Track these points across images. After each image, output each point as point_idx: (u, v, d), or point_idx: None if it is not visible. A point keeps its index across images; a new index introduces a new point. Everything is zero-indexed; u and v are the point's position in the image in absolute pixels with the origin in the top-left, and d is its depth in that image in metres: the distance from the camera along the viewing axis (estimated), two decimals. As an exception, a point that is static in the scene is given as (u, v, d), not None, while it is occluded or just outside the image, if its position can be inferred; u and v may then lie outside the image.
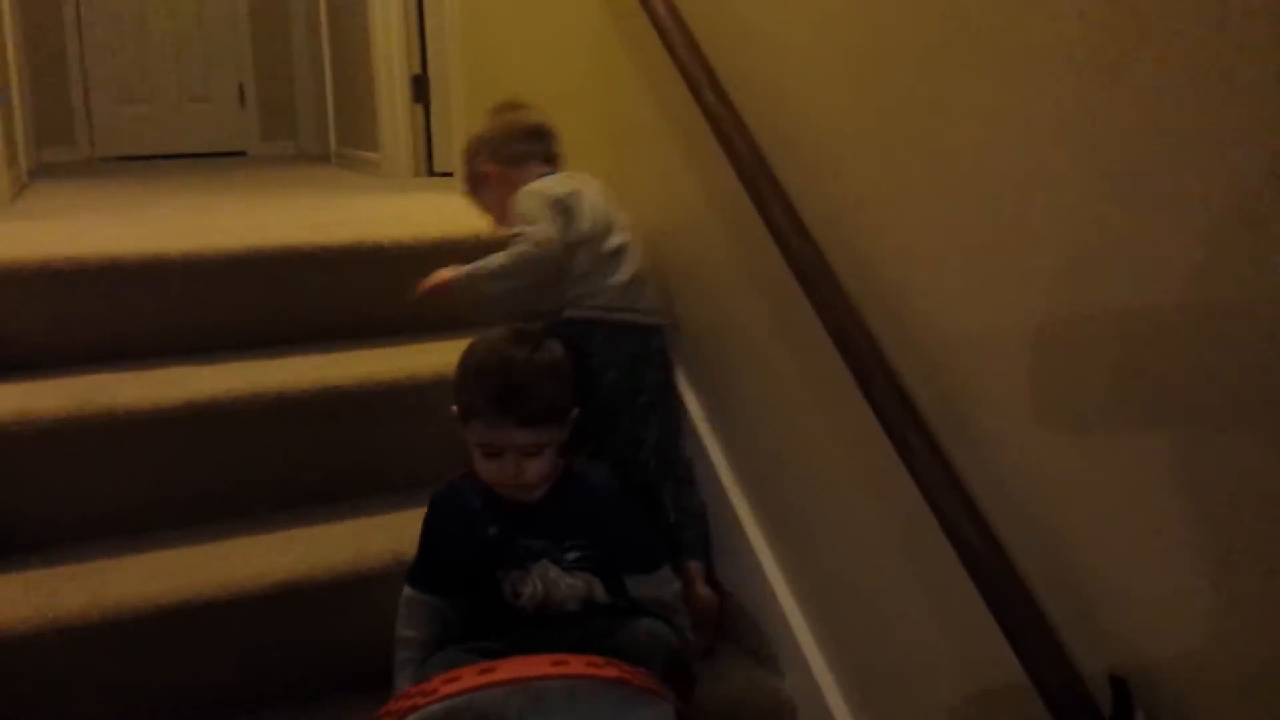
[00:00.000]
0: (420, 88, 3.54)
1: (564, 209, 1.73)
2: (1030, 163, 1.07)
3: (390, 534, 1.62)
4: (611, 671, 1.18)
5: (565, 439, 1.40)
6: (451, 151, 3.13)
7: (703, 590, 1.65)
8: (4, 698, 1.39)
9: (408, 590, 1.44)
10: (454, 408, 1.39)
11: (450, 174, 3.13)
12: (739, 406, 1.72)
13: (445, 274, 1.73)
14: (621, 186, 1.99)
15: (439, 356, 1.89)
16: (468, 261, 1.73)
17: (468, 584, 1.42)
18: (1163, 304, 0.93)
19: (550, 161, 1.89)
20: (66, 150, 5.00)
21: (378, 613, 1.50)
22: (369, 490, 1.80)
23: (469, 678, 1.15)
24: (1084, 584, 1.05)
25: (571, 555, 1.40)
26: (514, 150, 1.87)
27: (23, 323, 1.83)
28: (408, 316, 2.07)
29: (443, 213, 2.46)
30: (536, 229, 1.69)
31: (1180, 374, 0.92)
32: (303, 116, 5.42)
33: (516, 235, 1.69)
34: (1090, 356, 1.02)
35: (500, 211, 1.86)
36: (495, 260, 1.68)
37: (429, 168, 3.62)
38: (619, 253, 1.75)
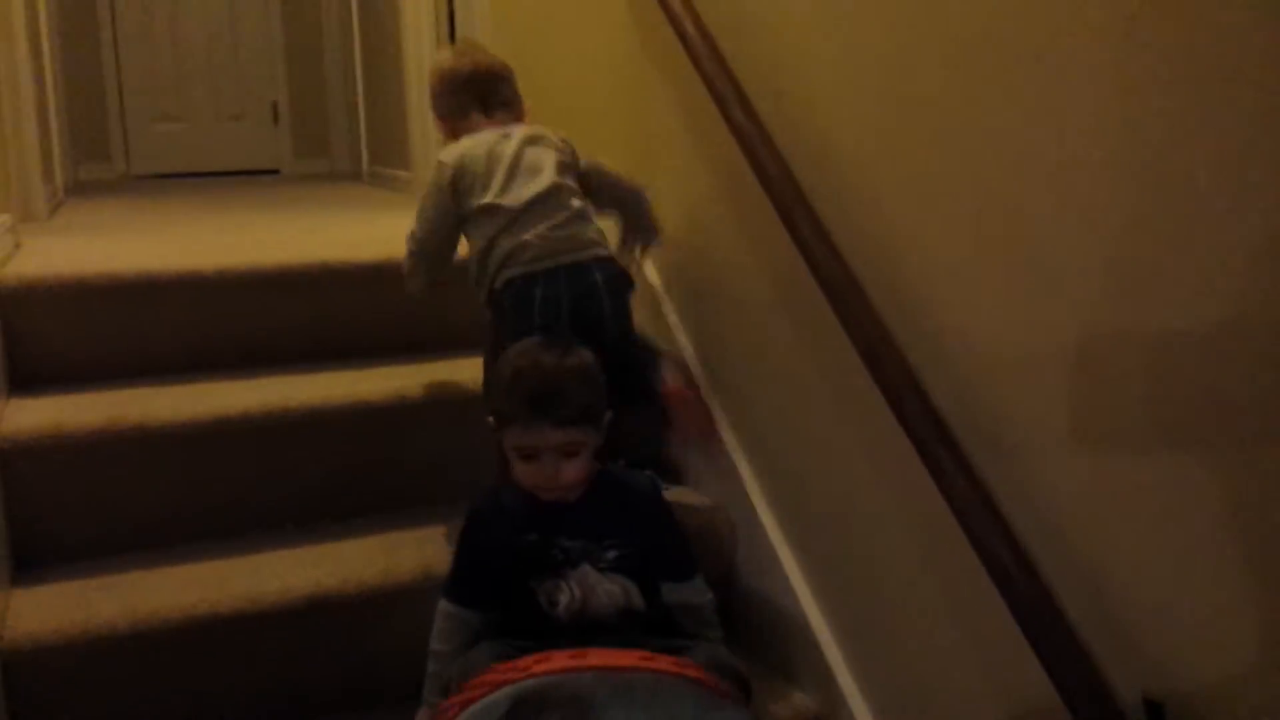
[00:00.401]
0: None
1: (458, 179, 1.66)
2: (1066, 179, 1.06)
3: (420, 548, 1.63)
4: (696, 673, 1.20)
5: (600, 443, 1.41)
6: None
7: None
8: (38, 705, 1.40)
9: (442, 603, 1.45)
10: (490, 417, 1.41)
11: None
12: (767, 422, 1.71)
13: None
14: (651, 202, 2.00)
15: (468, 372, 1.90)
16: None
17: (504, 596, 1.42)
18: (1201, 320, 0.92)
19: (490, 112, 1.79)
20: (102, 168, 5.07)
21: (407, 627, 1.50)
22: (399, 504, 1.81)
23: (561, 660, 1.18)
24: (1119, 605, 1.04)
25: (611, 554, 1.41)
26: (450, 103, 1.82)
27: (58, 337, 1.85)
28: (438, 332, 2.09)
29: (472, 230, 2.47)
30: (413, 228, 1.76)
31: (1219, 391, 0.91)
32: (335, 135, 5.47)
33: None
34: (1125, 373, 1.01)
35: None
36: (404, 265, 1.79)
37: (459, 186, 3.63)
38: (542, 201, 1.64)
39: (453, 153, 1.70)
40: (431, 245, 1.74)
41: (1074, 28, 1.03)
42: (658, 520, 1.47)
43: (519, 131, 1.72)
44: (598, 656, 1.20)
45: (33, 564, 1.58)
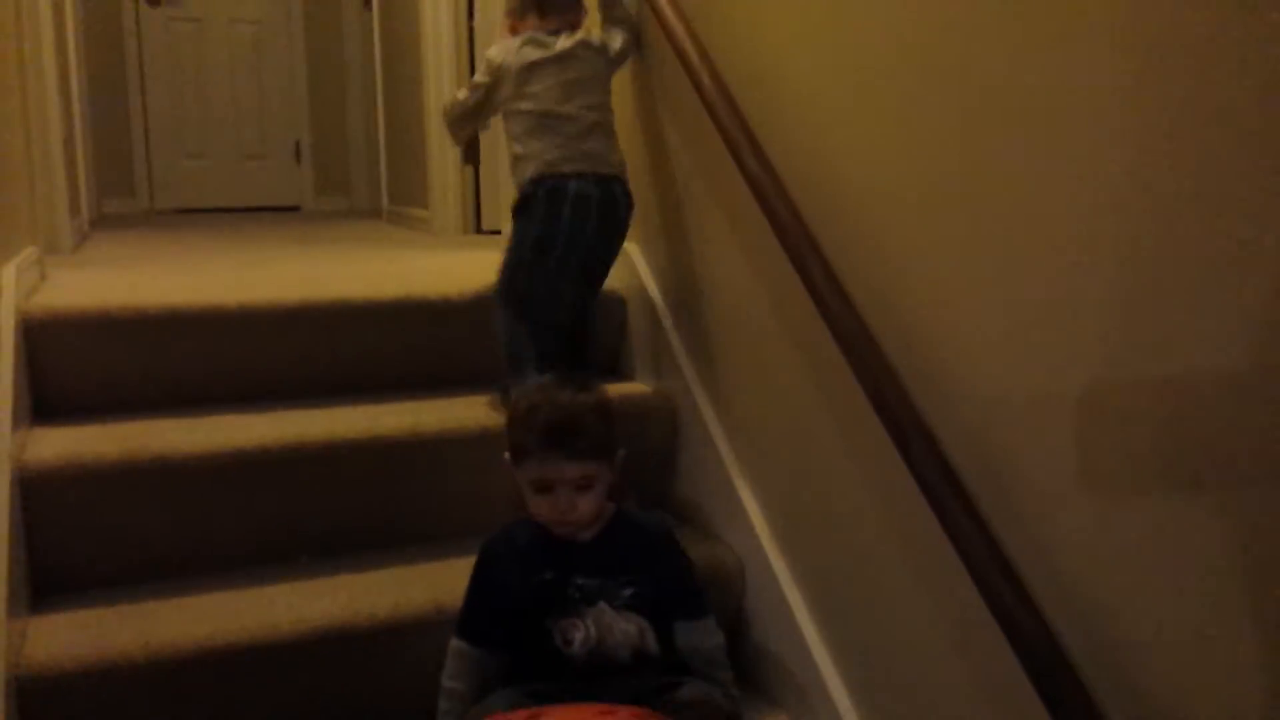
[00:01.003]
0: (471, 149, 3.62)
1: (494, 71, 1.97)
2: (1077, 229, 1.08)
3: (432, 584, 1.64)
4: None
5: (613, 479, 1.43)
6: (499, 211, 3.19)
7: None
8: (51, 734, 1.42)
9: (455, 641, 1.46)
10: (506, 454, 1.43)
11: (498, 232, 3.19)
12: (777, 466, 1.73)
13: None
14: (661, 246, 2.03)
15: (484, 409, 1.93)
16: None
17: (517, 633, 1.43)
18: (1217, 368, 0.94)
19: (544, 14, 2.00)
20: (126, 202, 5.15)
21: (418, 661, 1.52)
22: (411, 539, 1.83)
23: None
24: (1133, 661, 1.04)
25: (626, 592, 1.42)
26: (513, 4, 2.05)
27: (81, 369, 1.89)
28: (454, 368, 2.12)
29: (488, 269, 2.51)
30: (458, 92, 2.07)
31: (1235, 441, 0.92)
32: (356, 174, 5.55)
33: None
34: (1137, 421, 1.02)
35: None
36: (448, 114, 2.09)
37: (477, 225, 3.69)
38: (567, 121, 1.92)
39: (505, 43, 1.98)
40: (465, 108, 2.04)
41: (1090, 80, 1.06)
42: (672, 559, 1.49)
43: (561, 41, 1.96)
44: (555, 715, 1.25)
45: (51, 591, 1.60)
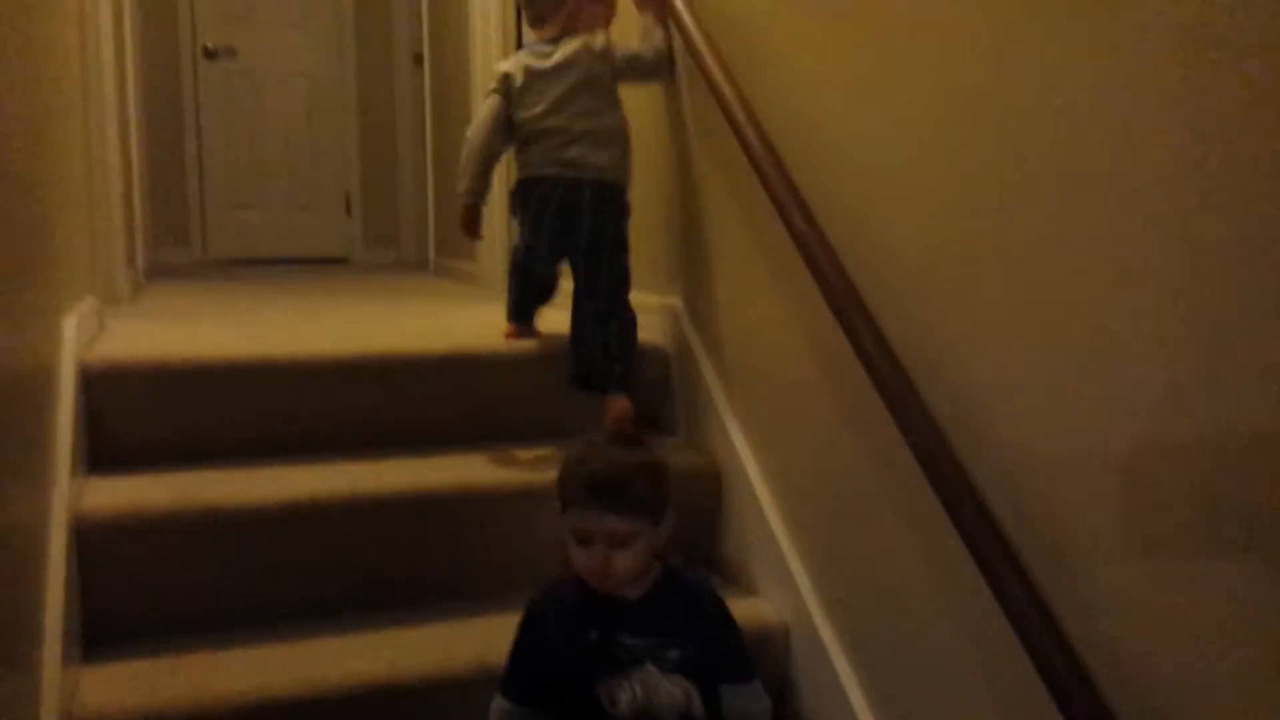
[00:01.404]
0: (517, 202, 3.65)
1: (501, 80, 2.17)
2: (1124, 290, 1.08)
3: (478, 640, 1.64)
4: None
5: (660, 540, 1.43)
6: (546, 264, 3.22)
7: None
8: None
9: (498, 700, 1.45)
10: (558, 503, 1.44)
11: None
12: (824, 527, 1.72)
13: None
14: (705, 300, 2.04)
15: (532, 463, 1.94)
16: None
17: (562, 694, 1.43)
18: (1258, 433, 0.93)
19: (536, 24, 2.21)
20: (180, 252, 5.26)
21: (463, 719, 1.51)
22: (456, 594, 1.83)
23: None
24: (1174, 715, 1.02)
25: (673, 654, 1.41)
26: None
27: (135, 419, 1.92)
28: (501, 422, 2.13)
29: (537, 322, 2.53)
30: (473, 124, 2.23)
31: (1276, 505, 0.91)
32: (405, 226, 5.63)
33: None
34: (1186, 480, 1.02)
35: None
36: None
37: (523, 278, 3.71)
38: (554, 133, 2.10)
39: (504, 63, 2.20)
40: (481, 136, 2.21)
41: (1136, 156, 1.06)
42: (720, 621, 1.48)
43: (560, 50, 2.11)
44: None
45: (103, 641, 1.61)
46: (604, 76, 2.12)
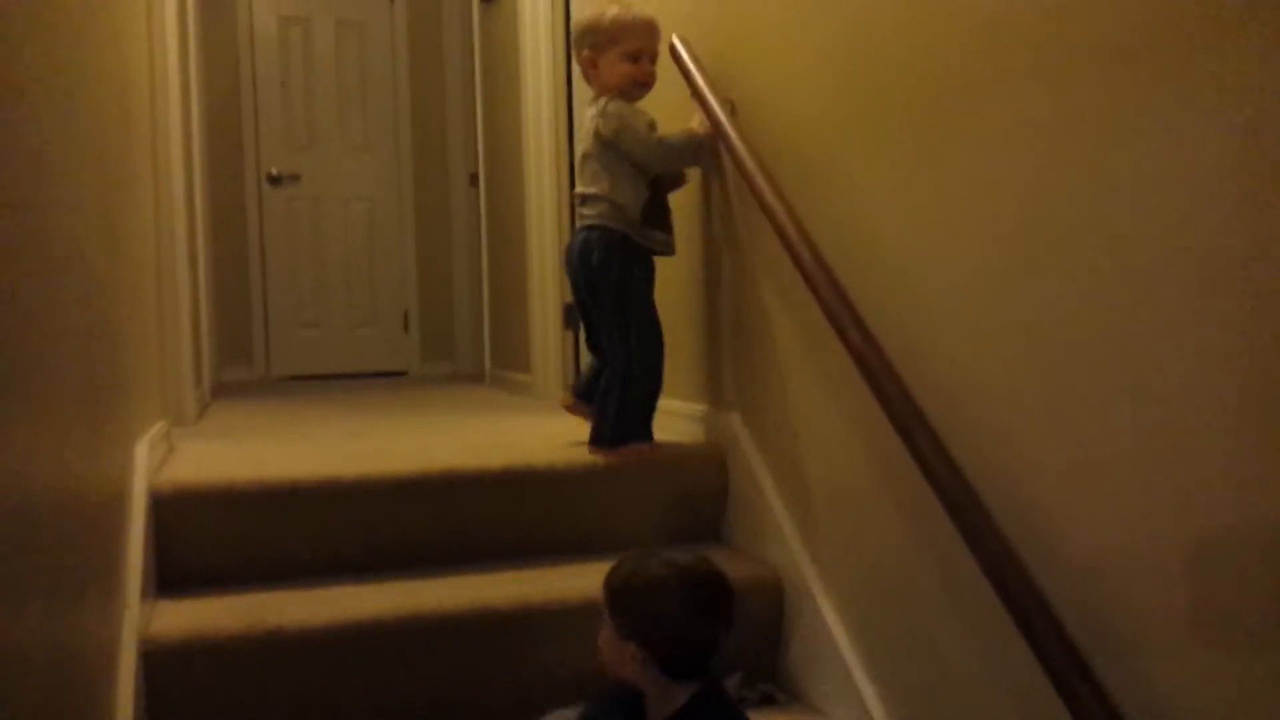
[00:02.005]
0: (571, 316, 3.72)
1: None
2: (1187, 378, 1.09)
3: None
4: None
5: (635, 648, 1.42)
6: (600, 375, 3.26)
7: None
8: None
9: None
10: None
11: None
12: (889, 639, 1.69)
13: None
14: (760, 410, 2.05)
15: (593, 579, 1.92)
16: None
17: None
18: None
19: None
20: (244, 370, 5.38)
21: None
22: (519, 710, 1.81)
23: None
24: None
25: None
26: None
27: (203, 541, 1.96)
28: (560, 536, 2.14)
29: (587, 436, 2.55)
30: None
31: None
32: (460, 339, 5.73)
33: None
34: (1254, 568, 1.00)
35: None
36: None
37: (577, 389, 3.75)
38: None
39: None
40: None
41: (1196, 262, 1.07)
42: None
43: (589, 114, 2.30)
44: None
45: (169, 766, 1.62)
46: (595, 150, 2.26)
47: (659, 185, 2.30)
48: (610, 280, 2.25)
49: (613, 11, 2.25)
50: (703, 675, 1.42)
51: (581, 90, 3.56)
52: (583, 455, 2.24)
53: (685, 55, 2.25)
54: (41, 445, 1.11)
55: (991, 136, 1.39)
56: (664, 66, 2.30)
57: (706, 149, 2.24)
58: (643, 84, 2.28)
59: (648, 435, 2.28)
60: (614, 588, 1.46)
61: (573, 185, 3.70)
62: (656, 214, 2.28)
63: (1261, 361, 1.00)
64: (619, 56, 2.23)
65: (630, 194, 2.24)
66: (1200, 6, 1.06)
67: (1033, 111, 1.31)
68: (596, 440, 2.27)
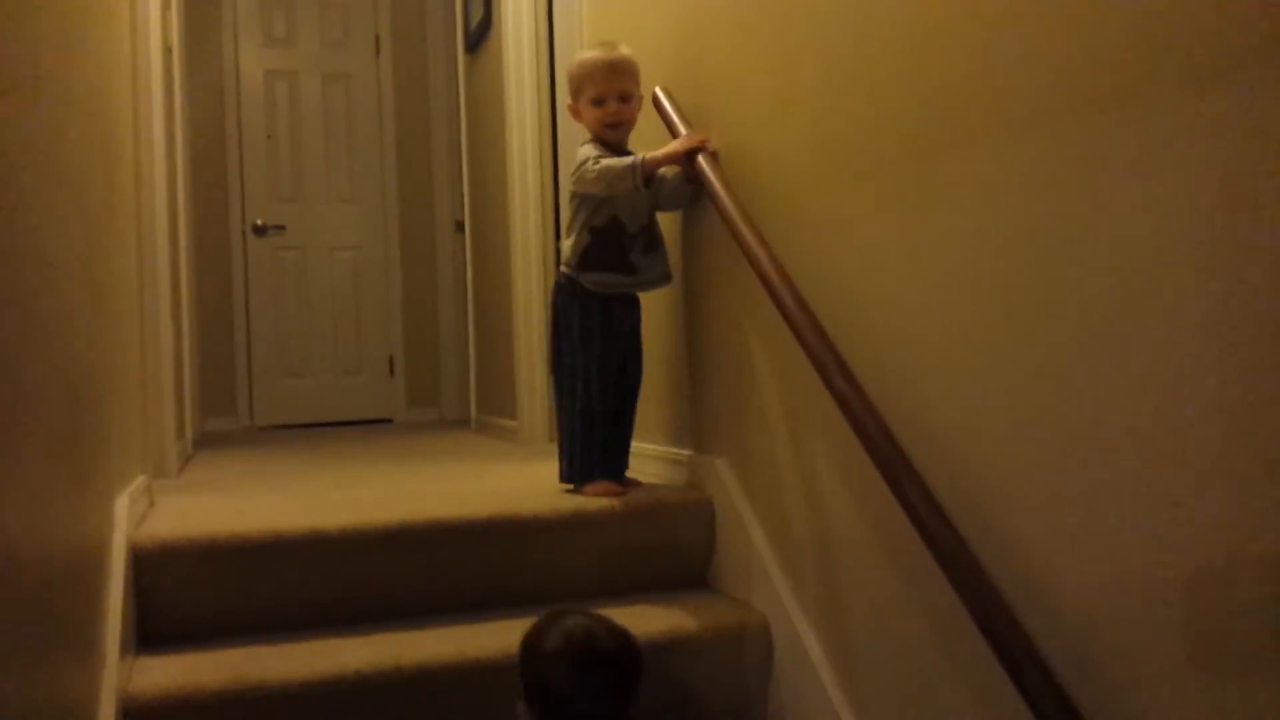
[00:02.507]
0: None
1: None
2: (1173, 426, 1.09)
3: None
4: None
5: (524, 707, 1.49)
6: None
7: None
8: None
9: None
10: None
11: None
12: (884, 693, 1.67)
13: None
14: (746, 457, 2.04)
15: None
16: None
17: None
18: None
19: None
20: (228, 420, 5.36)
21: None
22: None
23: None
24: None
25: None
26: None
27: (185, 596, 1.93)
28: (546, 585, 2.12)
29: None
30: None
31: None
32: (446, 386, 5.72)
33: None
34: (1241, 604, 1.00)
35: None
36: None
37: (563, 435, 3.74)
38: None
39: None
40: None
41: (1176, 303, 1.08)
42: None
43: None
44: None
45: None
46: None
47: (652, 213, 2.35)
48: (555, 321, 2.40)
49: (579, 57, 2.30)
50: None
51: (566, 137, 3.59)
52: (570, 503, 2.22)
53: (667, 105, 2.27)
54: (18, 500, 1.10)
55: (978, 184, 1.40)
56: (649, 114, 2.32)
57: (676, 158, 2.20)
58: (612, 125, 2.30)
59: (607, 473, 2.34)
60: (520, 648, 1.46)
61: (558, 233, 3.74)
62: (606, 255, 2.31)
63: (1242, 393, 1.00)
64: (588, 102, 2.27)
65: (572, 238, 2.33)
66: (1181, 55, 1.08)
67: (1014, 159, 1.32)
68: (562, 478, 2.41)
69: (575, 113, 2.32)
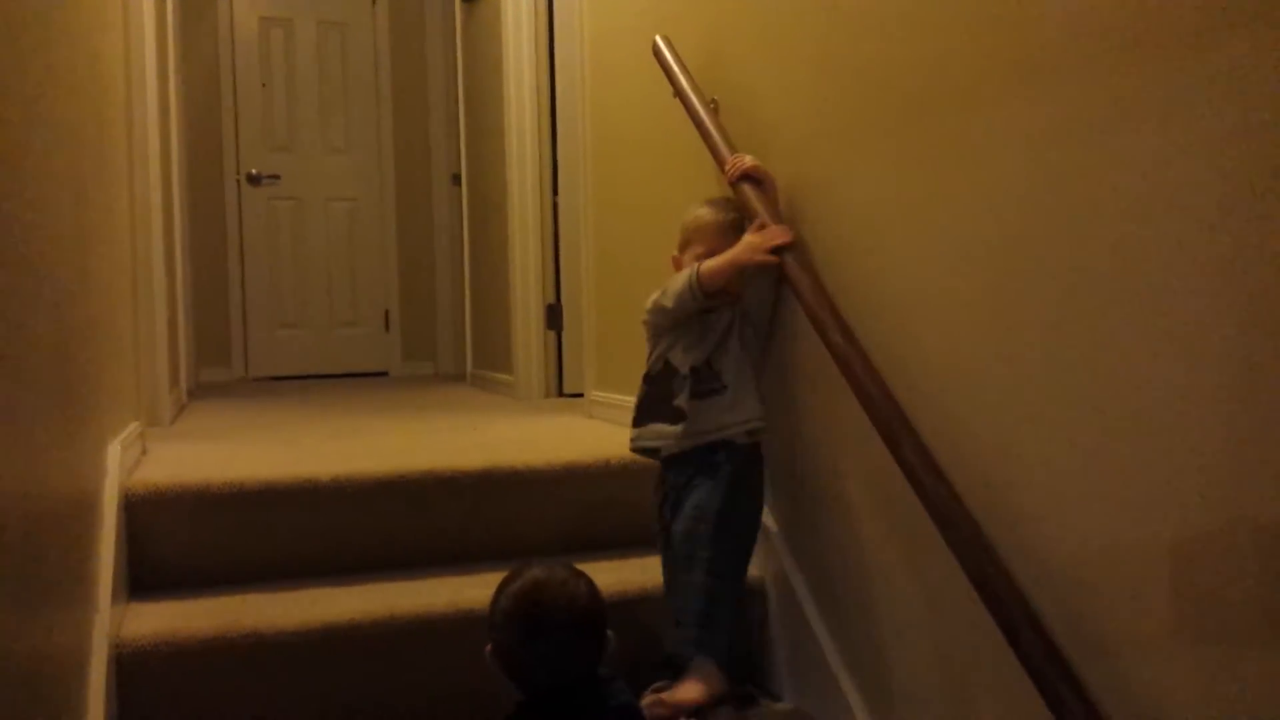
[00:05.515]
0: (554, 316, 3.71)
1: None
2: (1172, 385, 1.09)
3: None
4: None
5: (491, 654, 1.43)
6: (581, 375, 3.24)
7: None
8: None
9: None
10: None
11: (580, 395, 3.24)
12: (866, 638, 1.68)
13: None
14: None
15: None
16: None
17: None
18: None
19: None
20: (222, 371, 5.34)
21: None
22: (498, 712, 1.79)
23: None
24: None
25: None
26: None
27: (178, 543, 1.93)
28: (538, 536, 2.13)
29: (572, 436, 2.55)
30: None
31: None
32: (442, 340, 5.71)
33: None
34: (1236, 566, 1.01)
35: None
36: None
37: (559, 389, 3.74)
38: None
39: None
40: None
41: (1181, 265, 1.07)
42: None
43: None
44: None
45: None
46: None
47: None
48: None
49: (694, 212, 2.02)
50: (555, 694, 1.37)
51: (564, 90, 3.55)
52: (562, 455, 2.22)
53: (668, 55, 2.23)
54: (8, 446, 1.09)
55: (983, 140, 1.38)
56: (648, 67, 2.28)
57: (738, 266, 1.86)
58: None
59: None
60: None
61: (555, 188, 3.71)
62: (660, 399, 1.94)
63: (1249, 364, 1.00)
64: (693, 257, 1.95)
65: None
66: (1191, 4, 1.06)
67: (1024, 118, 1.30)
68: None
69: (678, 264, 2.03)
